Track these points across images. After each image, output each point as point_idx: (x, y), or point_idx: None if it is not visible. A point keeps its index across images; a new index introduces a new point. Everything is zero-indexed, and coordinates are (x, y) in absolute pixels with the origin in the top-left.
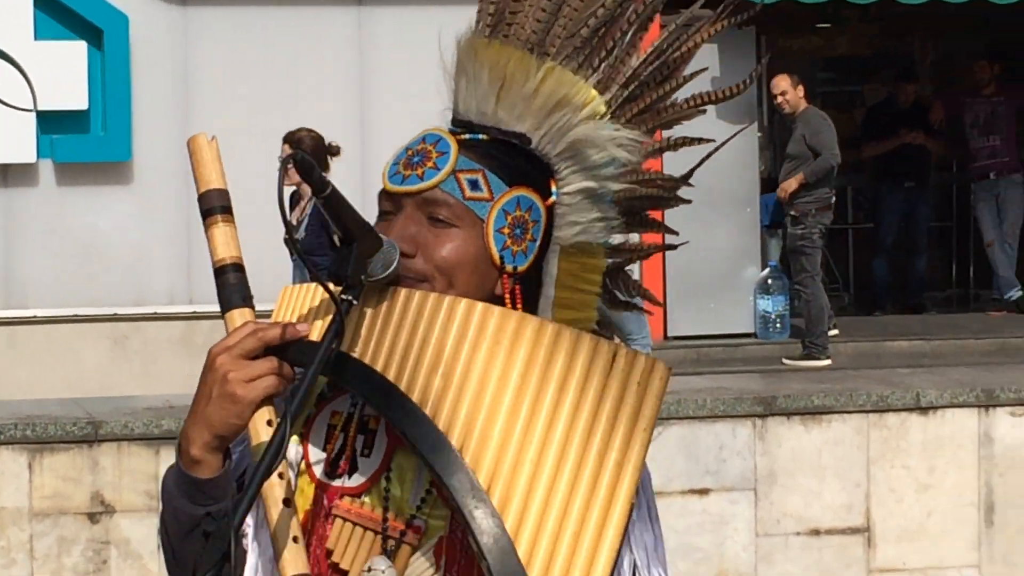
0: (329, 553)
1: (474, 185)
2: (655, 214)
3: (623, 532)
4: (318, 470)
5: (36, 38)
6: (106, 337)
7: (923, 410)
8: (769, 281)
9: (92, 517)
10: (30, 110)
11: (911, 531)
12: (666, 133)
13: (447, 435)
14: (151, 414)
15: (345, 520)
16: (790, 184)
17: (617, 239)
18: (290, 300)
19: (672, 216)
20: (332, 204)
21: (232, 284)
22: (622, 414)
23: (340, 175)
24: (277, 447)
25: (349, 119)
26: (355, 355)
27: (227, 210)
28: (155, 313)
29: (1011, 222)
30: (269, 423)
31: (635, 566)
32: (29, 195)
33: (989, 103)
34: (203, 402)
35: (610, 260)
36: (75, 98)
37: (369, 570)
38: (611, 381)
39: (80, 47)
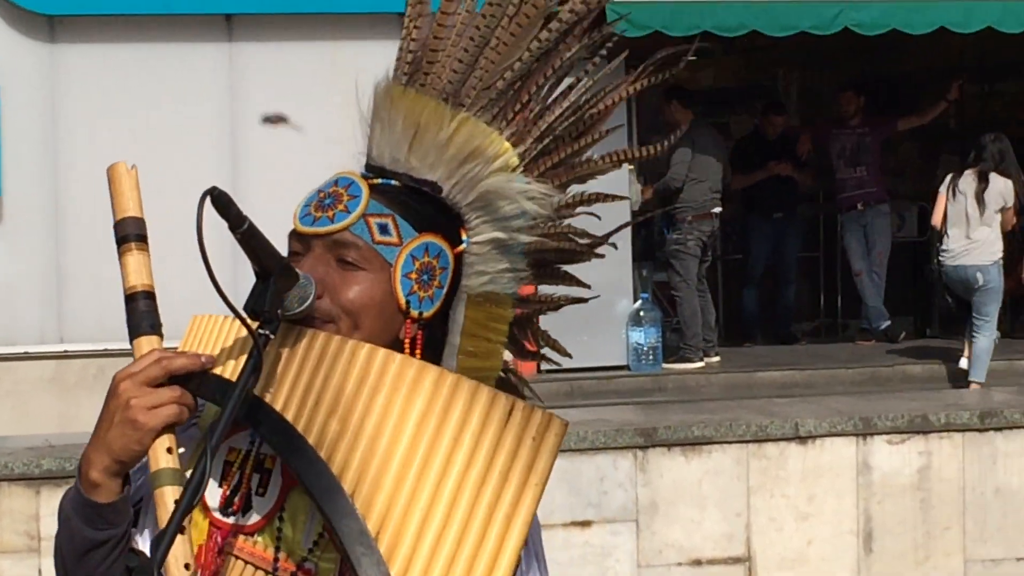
0: None
1: (383, 229)
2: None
3: None
4: (213, 506)
5: None
6: None
7: (802, 439)
8: (641, 313)
9: None
10: None
11: (791, 560)
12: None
13: (340, 479)
14: (31, 454)
15: (237, 558)
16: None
17: (526, 290)
18: (199, 329)
19: None
20: (249, 239)
21: (142, 311)
22: (515, 468)
23: (212, 211)
24: (198, 482)
25: (220, 154)
26: (255, 393)
27: (142, 238)
28: (25, 352)
29: (879, 252)
30: (169, 451)
31: None
32: None
33: (855, 134)
34: (105, 427)
35: (518, 311)
36: None
37: None
38: (506, 435)
39: None
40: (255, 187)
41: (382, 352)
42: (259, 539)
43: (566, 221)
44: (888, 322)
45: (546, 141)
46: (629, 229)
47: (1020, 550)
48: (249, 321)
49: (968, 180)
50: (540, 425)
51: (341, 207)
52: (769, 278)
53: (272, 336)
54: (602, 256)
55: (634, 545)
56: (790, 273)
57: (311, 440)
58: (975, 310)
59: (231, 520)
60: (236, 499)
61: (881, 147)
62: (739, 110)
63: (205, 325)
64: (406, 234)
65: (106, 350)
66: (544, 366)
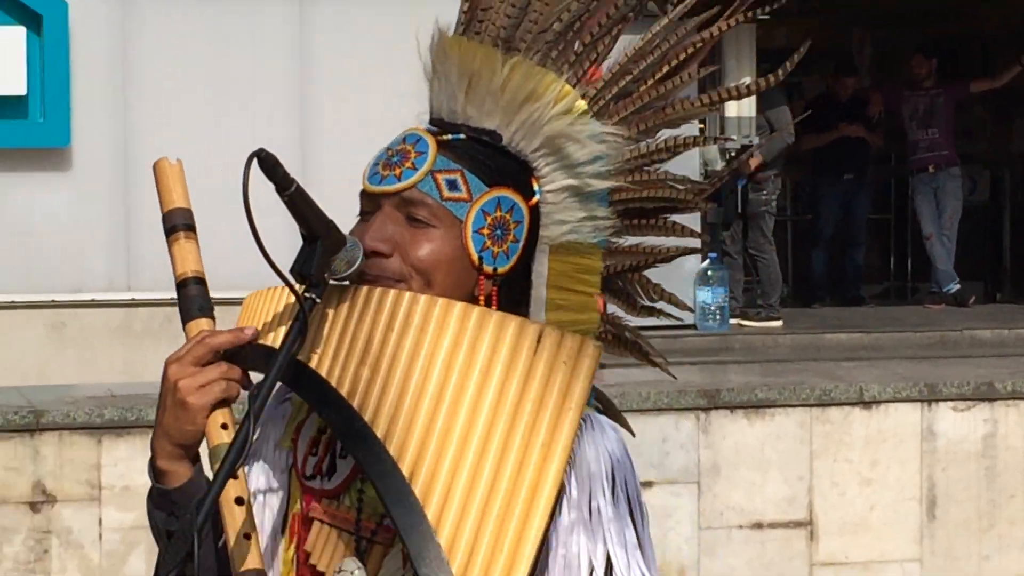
0: (308, 556)
1: (452, 185)
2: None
3: (551, 514)
4: (303, 474)
5: None
6: (44, 324)
7: (866, 404)
8: (709, 272)
9: (33, 507)
10: None
11: (853, 524)
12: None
13: (373, 424)
14: (93, 403)
15: (322, 523)
16: (746, 167)
17: (630, 241)
18: (252, 304)
19: None
20: (296, 201)
21: (192, 296)
22: (549, 395)
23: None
24: (240, 445)
25: (289, 108)
26: (300, 356)
27: (190, 227)
28: (93, 300)
29: (949, 215)
30: (224, 427)
31: (609, 561)
32: None
33: (928, 96)
34: (161, 413)
35: (615, 263)
36: (14, 84)
37: (339, 571)
38: (537, 362)
39: (19, 32)
40: (324, 142)
41: (407, 295)
42: (344, 501)
43: (662, 168)
44: (958, 286)
45: (622, 83)
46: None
47: None
48: (295, 284)
49: None
50: (572, 349)
51: (408, 164)
52: (838, 240)
53: (318, 300)
54: (703, 208)
55: (695, 507)
56: (859, 235)
57: (344, 391)
58: None
59: (316, 485)
60: (320, 463)
61: (954, 110)
62: (811, 70)
63: (258, 300)
64: (476, 189)
65: (174, 299)
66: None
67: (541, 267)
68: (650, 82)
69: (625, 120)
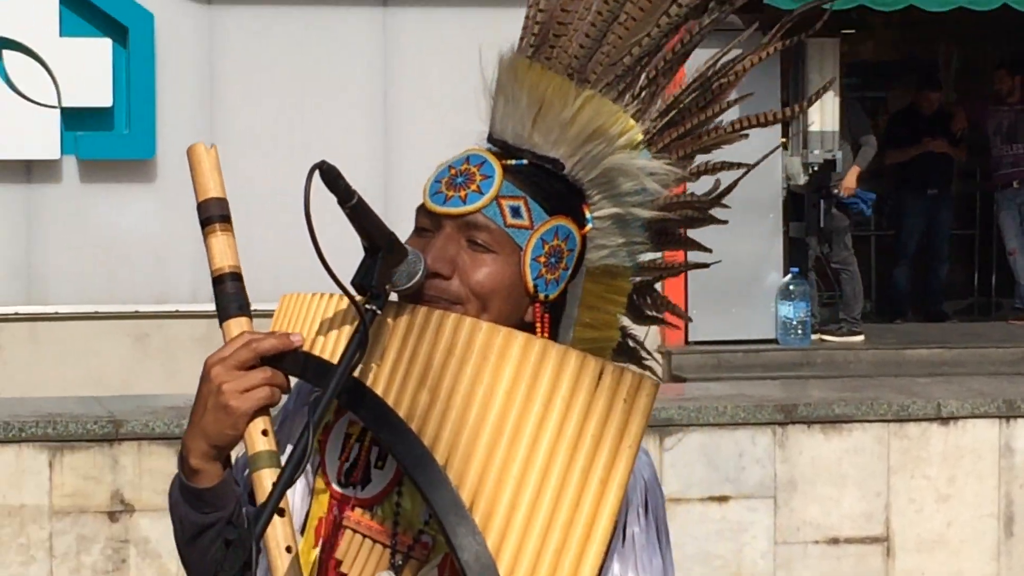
0: (339, 563)
1: (516, 212)
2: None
3: (605, 550)
4: (333, 479)
5: (61, 35)
6: (128, 335)
7: (944, 420)
8: (791, 287)
9: (112, 516)
10: (55, 107)
11: (930, 541)
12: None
13: (432, 451)
14: (172, 413)
15: (355, 532)
16: (851, 180)
17: (646, 257)
18: (289, 308)
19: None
20: (358, 213)
21: (230, 293)
22: (607, 432)
23: (361, 177)
24: (299, 457)
25: (373, 119)
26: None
27: (226, 219)
28: (177, 311)
29: None
30: (264, 433)
31: None
32: (53, 191)
33: (1013, 111)
34: (199, 412)
35: (638, 278)
36: (100, 95)
37: None
38: (597, 398)
39: (105, 44)
40: (408, 152)
41: (468, 321)
42: (378, 512)
43: (689, 190)
44: None
45: (671, 114)
46: (780, 203)
47: None
48: (356, 296)
49: None
50: (631, 387)
51: (473, 187)
52: (921, 255)
53: (379, 312)
54: (724, 222)
55: (771, 522)
56: (943, 250)
57: (402, 413)
58: None
59: (350, 493)
60: (355, 471)
61: None
62: (897, 84)
63: (295, 304)
64: (537, 217)
65: (255, 311)
66: (692, 337)
67: (576, 288)
68: (693, 111)
69: (668, 147)
